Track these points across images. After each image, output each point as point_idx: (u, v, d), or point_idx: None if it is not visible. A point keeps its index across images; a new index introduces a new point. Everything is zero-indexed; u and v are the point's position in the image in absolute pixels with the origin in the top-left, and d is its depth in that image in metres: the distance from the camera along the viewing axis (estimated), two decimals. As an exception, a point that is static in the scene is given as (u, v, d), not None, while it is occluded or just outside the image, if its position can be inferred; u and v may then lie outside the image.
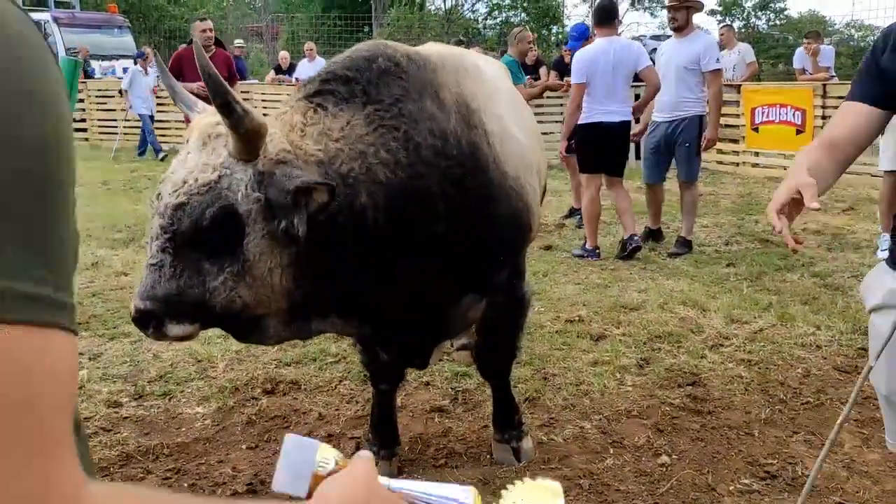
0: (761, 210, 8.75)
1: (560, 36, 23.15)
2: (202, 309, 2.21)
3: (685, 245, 6.98)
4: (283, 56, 15.36)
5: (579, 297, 5.61)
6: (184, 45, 8.68)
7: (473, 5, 25.46)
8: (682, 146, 6.74)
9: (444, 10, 25.66)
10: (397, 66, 2.58)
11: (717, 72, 6.79)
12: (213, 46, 8.11)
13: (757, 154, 11.76)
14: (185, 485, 3.24)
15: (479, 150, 2.72)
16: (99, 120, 16.33)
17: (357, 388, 4.13)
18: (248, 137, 2.14)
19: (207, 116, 2.31)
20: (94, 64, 18.84)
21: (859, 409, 3.72)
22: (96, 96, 16.33)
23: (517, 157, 2.93)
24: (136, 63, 14.46)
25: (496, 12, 25.45)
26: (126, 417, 3.86)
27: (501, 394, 3.40)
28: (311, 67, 14.60)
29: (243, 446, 3.58)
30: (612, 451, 3.42)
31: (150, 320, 2.16)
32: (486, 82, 3.02)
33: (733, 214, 8.67)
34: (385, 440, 3.31)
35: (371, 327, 2.81)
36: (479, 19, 26.15)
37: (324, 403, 3.96)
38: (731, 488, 3.11)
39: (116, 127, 15.27)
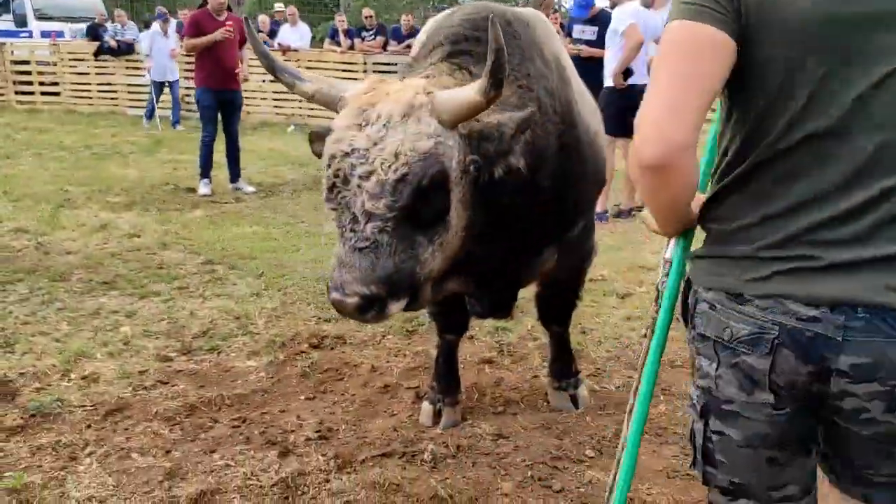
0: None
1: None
2: (415, 282, 2.20)
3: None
4: (264, 20, 15.14)
5: (597, 258, 5.73)
6: (198, 8, 8.58)
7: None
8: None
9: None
10: (510, 26, 2.62)
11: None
12: (224, 12, 8.08)
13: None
14: (256, 432, 3.32)
15: (573, 107, 2.82)
16: (72, 84, 15.95)
17: (402, 341, 4.24)
18: (485, 107, 2.15)
19: (380, 87, 2.23)
20: (64, 27, 18.35)
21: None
22: (69, 59, 15.93)
23: (592, 113, 3.09)
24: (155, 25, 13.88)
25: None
26: (179, 371, 3.91)
27: (561, 341, 3.55)
28: (294, 32, 14.46)
29: (301, 397, 3.66)
30: (662, 397, 3.58)
31: (375, 304, 2.09)
32: (559, 40, 3.17)
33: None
34: (450, 389, 3.42)
35: (477, 283, 2.86)
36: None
37: (373, 357, 4.06)
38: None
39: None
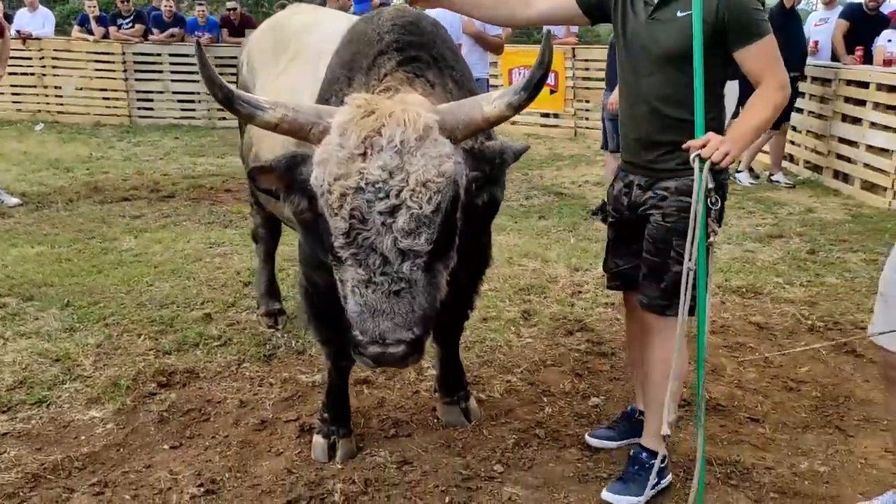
0: (538, 165, 9.49)
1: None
2: (436, 311, 2.11)
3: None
4: (-5, 3, 13.28)
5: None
6: None
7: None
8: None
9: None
10: (435, 27, 2.61)
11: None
12: None
13: (515, 113, 12.58)
14: (127, 497, 2.89)
15: None
16: None
17: (262, 369, 3.91)
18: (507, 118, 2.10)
19: (376, 109, 2.00)
20: None
21: (723, 336, 4.34)
22: None
23: None
24: None
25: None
26: (4, 434, 3.30)
27: (452, 355, 3.43)
28: (34, 17, 12.88)
29: (165, 446, 3.25)
30: (545, 399, 3.64)
31: (417, 348, 2.00)
32: None
33: (517, 171, 9.25)
34: (343, 419, 3.21)
35: None
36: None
37: (235, 389, 3.70)
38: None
39: None
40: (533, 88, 2.00)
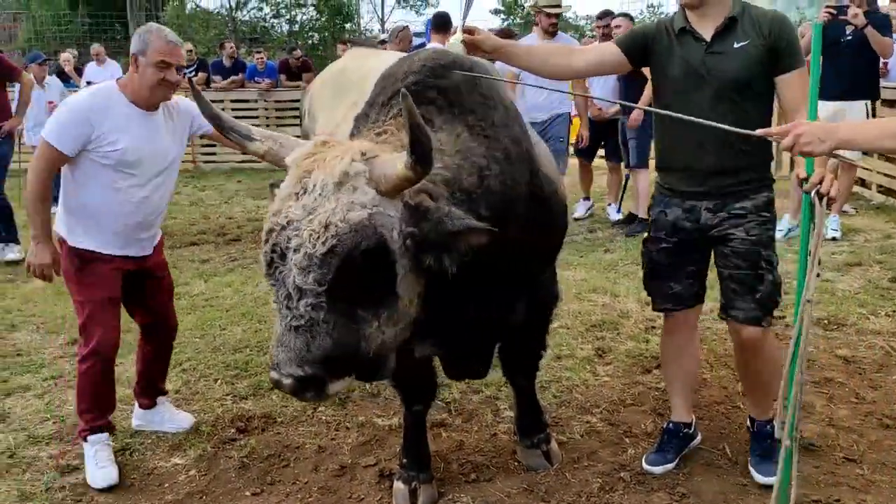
0: (598, 198, 9.38)
1: (355, 34, 23.09)
2: (359, 359, 2.07)
3: None
4: (67, 58, 13.84)
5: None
6: None
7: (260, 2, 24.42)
8: (554, 143, 7.05)
9: (227, 7, 24.39)
10: (470, 73, 2.54)
11: None
12: None
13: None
14: (213, 547, 2.89)
15: (532, 154, 2.74)
16: None
17: (338, 413, 3.90)
18: (416, 181, 2.02)
19: (321, 151, 2.09)
20: None
21: (809, 371, 4.17)
22: None
23: (548, 158, 3.01)
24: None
25: (284, 10, 24.69)
26: (86, 481, 3.35)
27: (529, 395, 3.39)
28: (103, 71, 13.36)
29: (248, 493, 3.26)
30: (627, 440, 3.54)
31: (311, 385, 2.00)
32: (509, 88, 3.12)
33: (572, 203, 9.16)
34: (423, 464, 3.17)
35: (448, 346, 2.74)
36: (267, 17, 25.24)
37: (312, 434, 3.70)
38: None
39: None
40: (412, 152, 1.91)
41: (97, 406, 3.43)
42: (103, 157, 3.25)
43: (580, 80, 7.27)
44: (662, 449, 3.33)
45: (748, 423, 3.35)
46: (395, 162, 2.01)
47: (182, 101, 3.57)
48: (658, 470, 3.26)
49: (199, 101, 2.40)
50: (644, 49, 3.02)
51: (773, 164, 3.09)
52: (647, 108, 3.17)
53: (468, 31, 2.88)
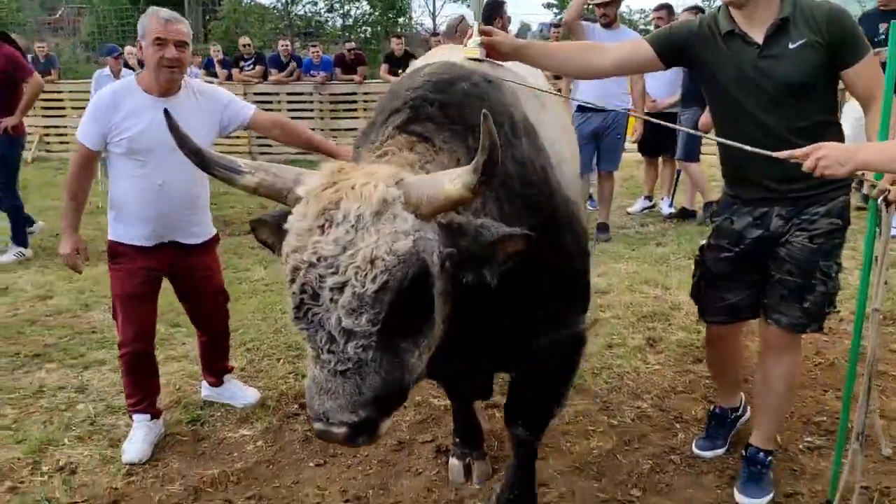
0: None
1: (407, 28, 23.36)
2: (404, 391, 1.95)
3: (607, 230, 7.41)
4: (130, 52, 14.26)
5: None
6: None
7: (313, -3, 24.80)
8: (612, 137, 7.10)
9: (282, 1, 24.83)
10: (476, 87, 2.38)
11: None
12: None
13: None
14: (280, 511, 3.07)
15: (548, 175, 2.52)
16: None
17: (396, 392, 4.05)
18: (470, 201, 1.92)
19: (342, 179, 1.89)
20: None
21: (862, 364, 4.19)
22: None
23: (571, 180, 2.78)
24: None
25: (338, 5, 25.08)
26: (165, 448, 3.56)
27: (524, 459, 2.94)
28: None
29: (311, 464, 3.43)
30: (678, 426, 3.63)
31: (365, 429, 1.84)
32: (535, 98, 2.84)
33: (628, 197, 9.20)
34: (475, 443, 3.30)
35: (451, 369, 2.56)
36: (321, 12, 25.66)
37: (372, 411, 3.86)
38: (800, 446, 3.42)
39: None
40: (482, 174, 1.79)
41: (135, 391, 3.59)
42: (117, 147, 3.35)
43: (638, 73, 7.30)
44: (711, 435, 3.40)
45: (744, 450, 3.20)
46: (441, 182, 1.88)
47: (213, 89, 3.64)
48: (708, 454, 3.34)
49: (175, 134, 2.11)
50: (681, 51, 2.87)
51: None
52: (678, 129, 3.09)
53: (484, 32, 2.75)
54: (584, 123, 7.05)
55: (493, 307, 2.28)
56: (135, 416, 3.59)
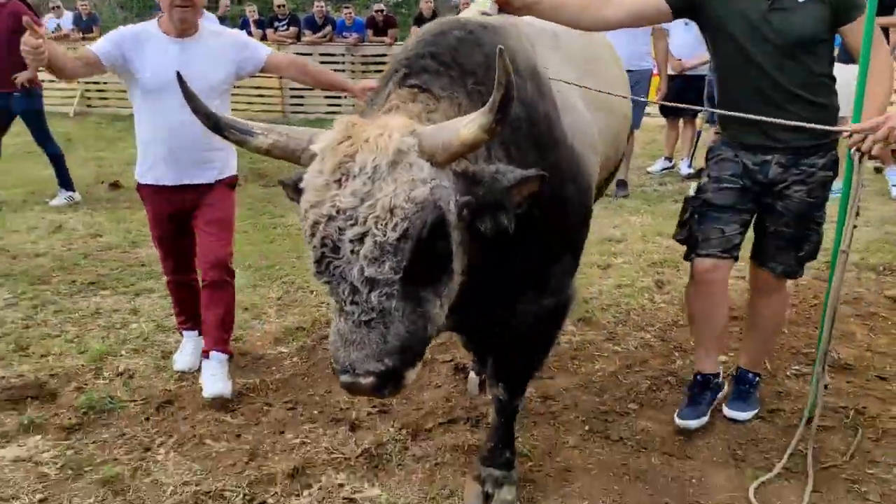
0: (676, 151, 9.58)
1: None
2: (427, 341, 1.97)
3: (625, 186, 7.68)
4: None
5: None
6: None
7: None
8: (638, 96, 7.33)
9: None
10: (471, 34, 2.40)
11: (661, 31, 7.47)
12: None
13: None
14: (315, 412, 3.45)
15: (553, 121, 2.52)
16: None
17: (419, 321, 4.42)
18: (486, 143, 1.95)
19: (356, 133, 1.91)
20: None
21: (855, 306, 4.48)
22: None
23: (581, 132, 2.71)
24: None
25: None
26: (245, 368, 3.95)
27: (508, 414, 2.90)
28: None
29: (342, 378, 3.80)
30: (677, 354, 3.95)
31: (391, 379, 1.86)
32: (554, 48, 2.87)
33: (649, 159, 9.42)
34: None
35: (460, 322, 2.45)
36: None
37: (397, 336, 4.23)
38: (788, 373, 3.73)
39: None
40: (498, 111, 1.82)
41: (182, 311, 3.95)
42: (135, 86, 3.48)
43: (660, 32, 7.49)
44: (695, 402, 3.29)
45: (734, 371, 3.52)
46: (457, 128, 1.91)
47: (230, 32, 3.78)
48: (693, 424, 3.21)
49: (189, 98, 2.14)
50: (692, 3, 2.93)
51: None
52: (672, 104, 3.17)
53: None
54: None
55: (500, 257, 2.28)
56: (184, 333, 3.98)
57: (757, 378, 3.44)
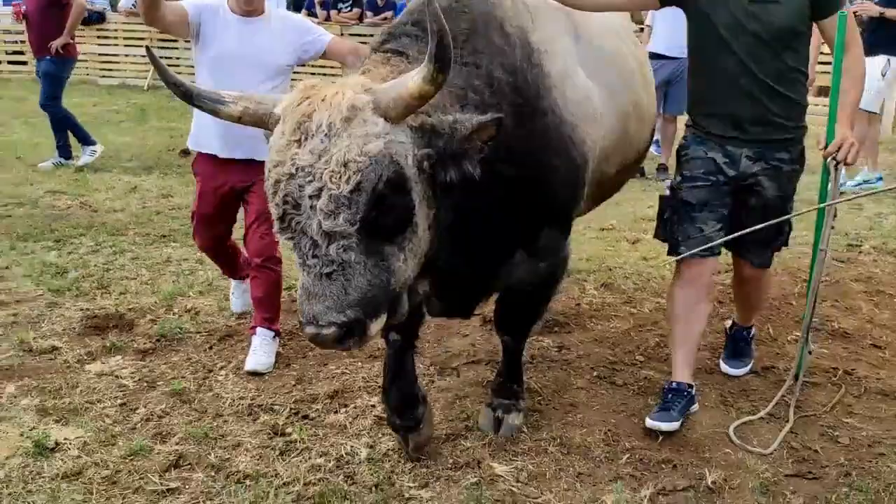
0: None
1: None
2: (391, 295, 2.06)
3: (666, 170, 7.95)
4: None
5: (601, 211, 6.42)
6: None
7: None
8: (681, 83, 7.57)
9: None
10: (459, 2, 2.48)
11: None
12: None
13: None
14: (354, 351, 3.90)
15: (541, 90, 2.58)
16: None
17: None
18: (433, 94, 2.00)
19: (314, 94, 2.00)
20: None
21: (866, 284, 4.74)
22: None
23: (577, 103, 2.74)
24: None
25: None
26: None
27: (514, 355, 3.19)
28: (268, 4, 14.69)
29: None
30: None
31: (354, 330, 1.96)
32: (556, 20, 2.89)
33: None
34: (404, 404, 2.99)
35: (442, 285, 2.61)
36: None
37: (433, 292, 4.67)
38: (788, 338, 4.04)
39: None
40: (435, 60, 1.88)
41: (223, 268, 4.32)
42: (201, 53, 3.59)
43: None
44: (667, 408, 3.17)
45: (728, 327, 3.86)
46: (405, 82, 1.97)
47: (294, 17, 3.96)
48: (664, 427, 3.09)
49: (158, 69, 2.25)
50: None
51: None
52: None
53: None
54: (657, 70, 7.51)
55: (480, 217, 2.41)
56: (232, 281, 4.43)
57: (750, 331, 3.77)
